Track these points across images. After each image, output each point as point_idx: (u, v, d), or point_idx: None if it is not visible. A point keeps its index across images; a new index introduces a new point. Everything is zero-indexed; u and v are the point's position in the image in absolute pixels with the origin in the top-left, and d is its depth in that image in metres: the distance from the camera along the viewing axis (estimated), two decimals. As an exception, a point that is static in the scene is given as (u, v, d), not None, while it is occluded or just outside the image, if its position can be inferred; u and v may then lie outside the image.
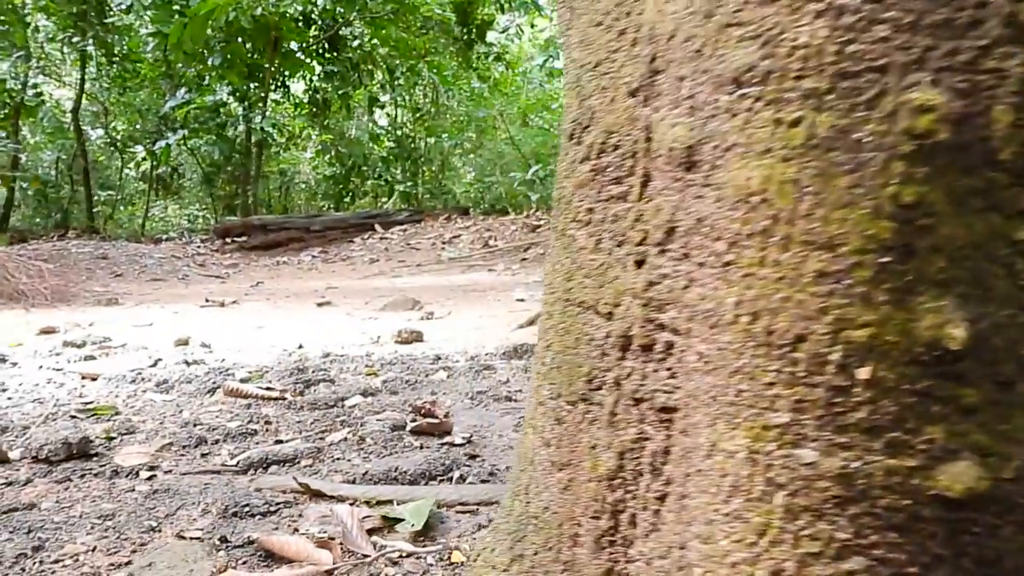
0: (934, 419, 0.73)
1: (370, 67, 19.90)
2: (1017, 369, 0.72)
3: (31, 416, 3.15)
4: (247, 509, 2.15)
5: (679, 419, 0.89)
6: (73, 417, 3.15)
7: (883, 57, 0.73)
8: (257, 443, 2.80)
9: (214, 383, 3.68)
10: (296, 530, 2.05)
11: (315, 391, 3.60)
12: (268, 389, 3.55)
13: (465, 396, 3.45)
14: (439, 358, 4.39)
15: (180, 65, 17.15)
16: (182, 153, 20.12)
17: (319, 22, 18.34)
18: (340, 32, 18.51)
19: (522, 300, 7.49)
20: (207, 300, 8.16)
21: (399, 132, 21.54)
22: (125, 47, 18.13)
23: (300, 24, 17.92)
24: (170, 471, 2.52)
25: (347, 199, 21.20)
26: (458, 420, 3.02)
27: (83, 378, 3.92)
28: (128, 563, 1.86)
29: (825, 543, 0.75)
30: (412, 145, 21.11)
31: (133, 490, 2.34)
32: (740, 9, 0.81)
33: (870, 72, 0.74)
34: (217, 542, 1.96)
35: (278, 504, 2.20)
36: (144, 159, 20.61)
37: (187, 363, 4.29)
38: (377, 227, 15.02)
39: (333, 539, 1.95)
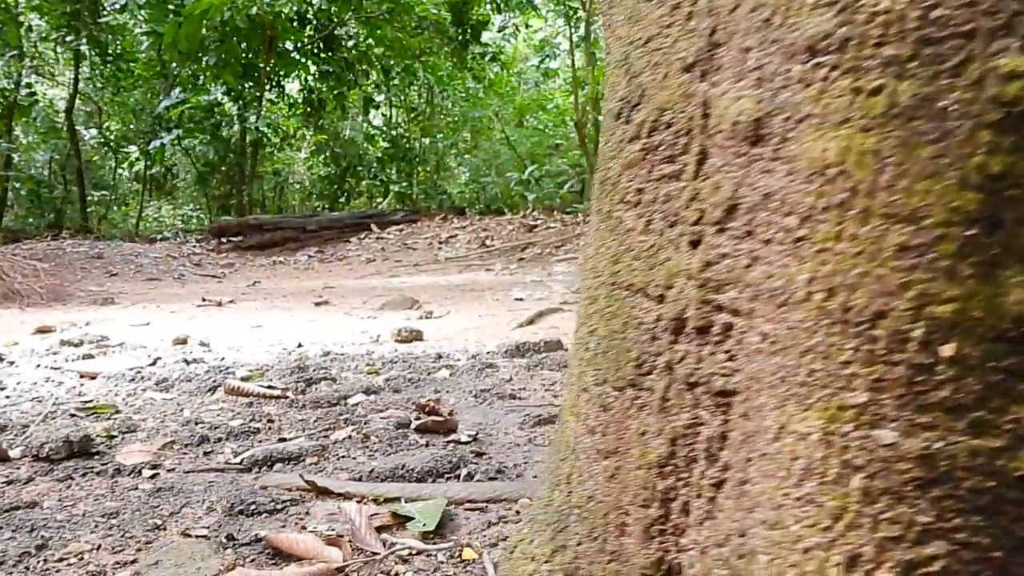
0: (1020, 397, 0.69)
1: (365, 67, 19.86)
2: None
3: (30, 415, 3.10)
4: (253, 507, 2.12)
5: (738, 403, 0.85)
6: (73, 416, 3.11)
7: (968, 22, 0.70)
8: (260, 441, 2.76)
9: (214, 382, 3.64)
10: (304, 528, 2.02)
11: (317, 389, 3.56)
12: (269, 387, 3.51)
13: (469, 394, 3.42)
14: (440, 356, 4.35)
15: (175, 65, 17.09)
16: (176, 153, 20.05)
17: (314, 22, 18.30)
18: (335, 32, 18.47)
19: (521, 299, 7.47)
20: (204, 299, 8.11)
21: (394, 132, 21.50)
22: (119, 46, 18.05)
23: (295, 24, 17.88)
24: (173, 469, 2.49)
25: (342, 199, 21.15)
26: (463, 418, 2.99)
27: (81, 377, 3.87)
28: (134, 561, 1.83)
29: (905, 527, 0.72)
30: (407, 145, 21.08)
31: (136, 488, 2.30)
32: None
33: (955, 38, 0.70)
34: (224, 540, 1.92)
35: (284, 502, 2.17)
36: (138, 159, 20.53)
37: (186, 362, 4.25)
38: (373, 227, 14.98)
39: (342, 537, 1.92)
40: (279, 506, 2.14)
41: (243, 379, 3.69)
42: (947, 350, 0.70)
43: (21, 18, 16.67)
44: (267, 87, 18.46)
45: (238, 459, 2.55)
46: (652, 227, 0.98)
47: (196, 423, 2.97)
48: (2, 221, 17.58)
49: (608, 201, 1.06)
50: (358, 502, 2.14)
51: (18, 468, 2.45)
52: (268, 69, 17.88)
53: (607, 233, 1.06)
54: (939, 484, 0.71)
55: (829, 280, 0.76)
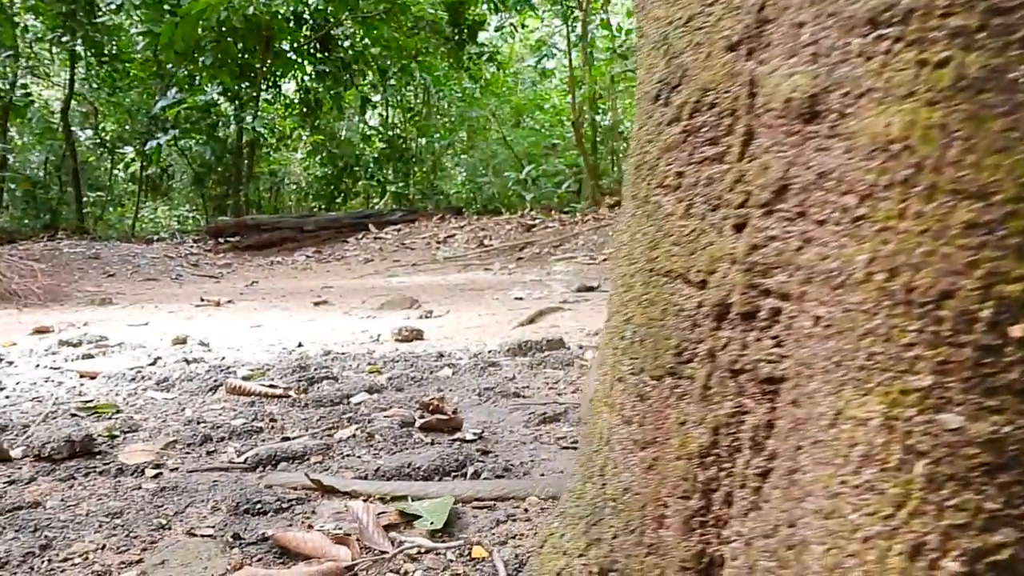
0: (1092, 379, 0.66)
1: (362, 67, 19.83)
2: None
3: (30, 415, 3.07)
4: (259, 506, 2.09)
5: (787, 389, 0.83)
6: (73, 415, 3.08)
7: (1041, -9, 0.67)
8: (264, 440, 2.74)
9: (215, 381, 3.61)
10: (310, 527, 2.00)
11: (319, 388, 3.54)
12: (271, 387, 3.49)
13: (472, 393, 3.39)
14: (442, 355, 4.33)
15: (171, 65, 17.05)
16: (172, 154, 20.00)
17: (310, 22, 18.28)
18: (331, 32, 18.44)
19: (520, 299, 7.45)
20: (202, 299, 8.08)
21: (391, 132, 21.48)
22: (115, 47, 18.00)
23: (292, 24, 17.85)
24: (176, 469, 2.46)
25: (339, 200, 21.12)
26: (467, 416, 2.97)
27: (81, 377, 3.84)
28: (139, 561, 1.80)
29: (972, 514, 0.69)
30: (404, 146, 21.05)
31: (140, 488, 2.28)
32: None
33: (1026, 7, 0.68)
34: (230, 539, 1.90)
35: (290, 501, 2.14)
36: (133, 160, 20.47)
37: (186, 361, 4.22)
38: (371, 227, 14.95)
39: (350, 535, 1.89)
40: (285, 505, 2.12)
41: (244, 378, 3.67)
42: (1016, 331, 0.67)
43: (16, 18, 16.62)
44: (263, 87, 18.43)
45: (242, 458, 2.53)
46: (693, 211, 0.95)
47: (198, 422, 2.95)
48: (-3, 222, 17.55)
49: (645, 186, 1.03)
50: (365, 501, 2.11)
51: (20, 468, 2.42)
52: (264, 69, 17.84)
53: (644, 219, 1.03)
54: (1007, 469, 0.68)
55: (891, 260, 0.73)
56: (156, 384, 3.63)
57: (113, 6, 16.76)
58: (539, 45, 20.51)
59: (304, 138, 21.74)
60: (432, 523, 1.97)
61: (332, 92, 19.07)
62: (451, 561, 1.81)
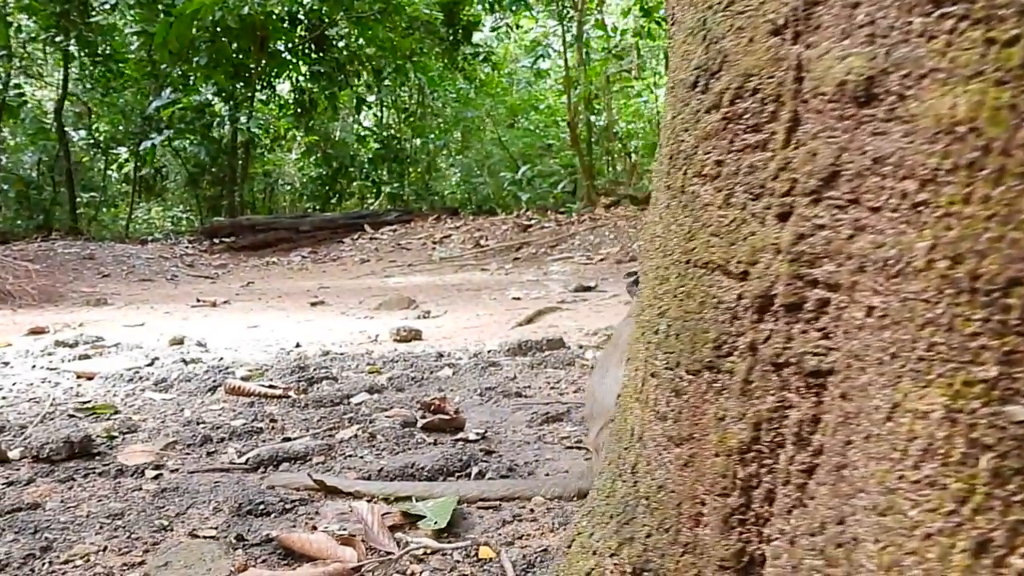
0: None
1: (357, 67, 19.80)
2: None
3: (28, 415, 3.04)
4: (261, 507, 2.07)
5: (836, 383, 0.80)
6: (71, 416, 3.04)
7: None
8: (264, 441, 2.71)
9: (214, 381, 3.58)
10: (314, 528, 1.97)
11: (319, 389, 3.51)
12: (271, 387, 3.46)
13: (474, 393, 3.37)
14: (441, 355, 4.31)
15: (165, 65, 16.99)
16: (166, 154, 19.95)
17: (305, 22, 18.23)
18: (326, 32, 18.40)
19: (518, 299, 7.43)
20: (198, 300, 8.04)
21: (385, 133, 21.45)
22: (109, 47, 17.93)
23: (286, 24, 17.81)
24: (176, 470, 2.43)
25: (333, 200, 21.09)
26: (469, 416, 2.95)
27: (79, 377, 3.81)
28: (142, 563, 1.77)
29: None
30: (399, 146, 21.02)
31: (140, 489, 2.25)
32: None
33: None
34: (233, 540, 1.87)
35: (293, 502, 2.11)
36: (127, 160, 20.41)
37: (184, 362, 4.19)
38: (367, 227, 14.92)
39: (355, 536, 1.87)
40: (288, 506, 2.09)
41: (243, 379, 3.63)
42: None
43: (10, 18, 16.54)
44: (258, 87, 18.39)
45: (243, 459, 2.50)
46: (733, 201, 0.92)
47: (198, 423, 2.92)
48: (-9, 222, 17.48)
49: (681, 176, 1.00)
50: (369, 501, 2.09)
51: (18, 469, 2.39)
52: (259, 69, 17.80)
53: (680, 209, 1.00)
54: None
55: (955, 246, 0.70)
56: (154, 385, 3.60)
57: (107, 6, 16.71)
58: (534, 46, 20.51)
59: (299, 138, 21.70)
60: (436, 523, 1.95)
61: (327, 92, 19.03)
62: (458, 562, 1.78)
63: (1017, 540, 0.67)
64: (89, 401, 3.30)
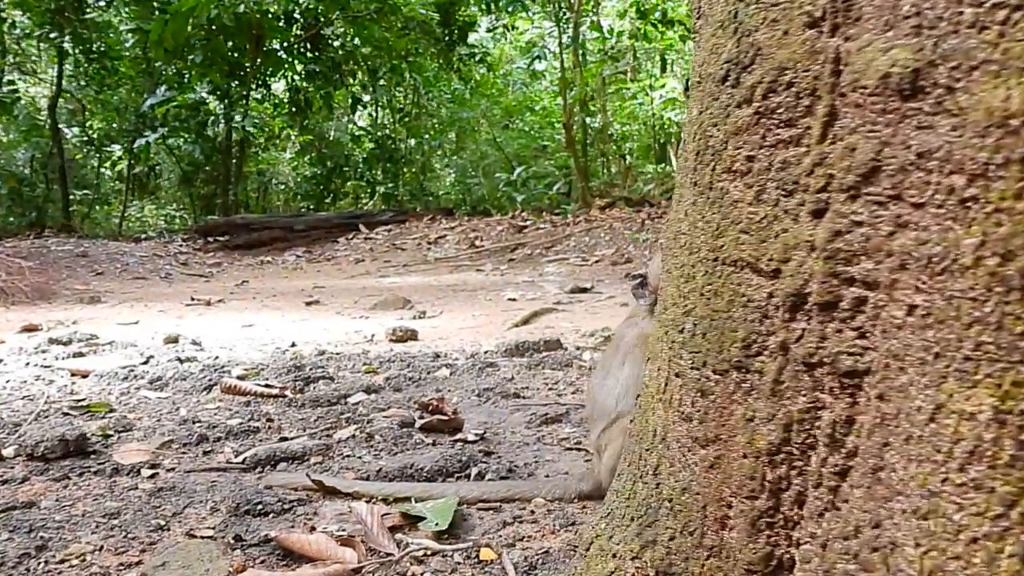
0: None
1: (352, 67, 19.76)
2: None
3: (22, 413, 3.01)
4: (259, 507, 2.05)
5: (872, 383, 0.78)
6: (66, 414, 3.02)
7: None
8: (261, 440, 2.69)
9: (210, 380, 3.56)
10: (313, 528, 1.95)
11: (315, 388, 3.50)
12: (267, 386, 3.44)
13: (471, 393, 3.36)
14: (438, 356, 4.29)
15: (160, 63, 16.93)
16: (159, 152, 19.87)
17: (301, 21, 18.18)
18: (322, 31, 18.35)
19: (514, 299, 7.41)
20: (192, 299, 8.01)
21: (380, 133, 21.41)
22: (103, 44, 17.85)
23: (282, 23, 17.76)
24: (173, 469, 2.42)
25: (327, 200, 21.04)
26: (467, 417, 2.93)
27: (73, 375, 3.78)
28: (139, 563, 1.76)
29: None
30: (393, 146, 20.98)
31: (136, 488, 2.23)
32: None
33: None
34: (231, 541, 1.86)
35: (291, 502, 2.10)
36: (121, 158, 20.33)
37: (179, 360, 4.16)
38: (361, 227, 14.89)
39: (354, 537, 1.85)
40: (286, 506, 2.08)
41: (239, 378, 3.61)
42: None
43: (3, 14, 16.47)
44: (253, 86, 18.33)
45: (240, 458, 2.49)
46: (765, 197, 0.90)
47: (193, 422, 2.90)
48: (-17, 219, 17.40)
49: (709, 172, 0.98)
50: (368, 502, 2.07)
51: (12, 467, 2.37)
52: (254, 68, 17.75)
53: (707, 206, 0.98)
54: None
55: (1005, 243, 0.68)
56: (149, 383, 3.58)
57: (102, 3, 16.67)
58: (529, 47, 20.49)
59: (293, 138, 21.65)
60: (437, 524, 1.93)
61: (322, 92, 18.98)
62: (458, 564, 1.77)
63: None
64: (84, 399, 3.27)
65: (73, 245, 12.76)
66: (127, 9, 16.91)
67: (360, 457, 2.51)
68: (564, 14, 16.83)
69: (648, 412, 1.05)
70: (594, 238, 11.75)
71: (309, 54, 18.67)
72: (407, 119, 21.29)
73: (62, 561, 1.75)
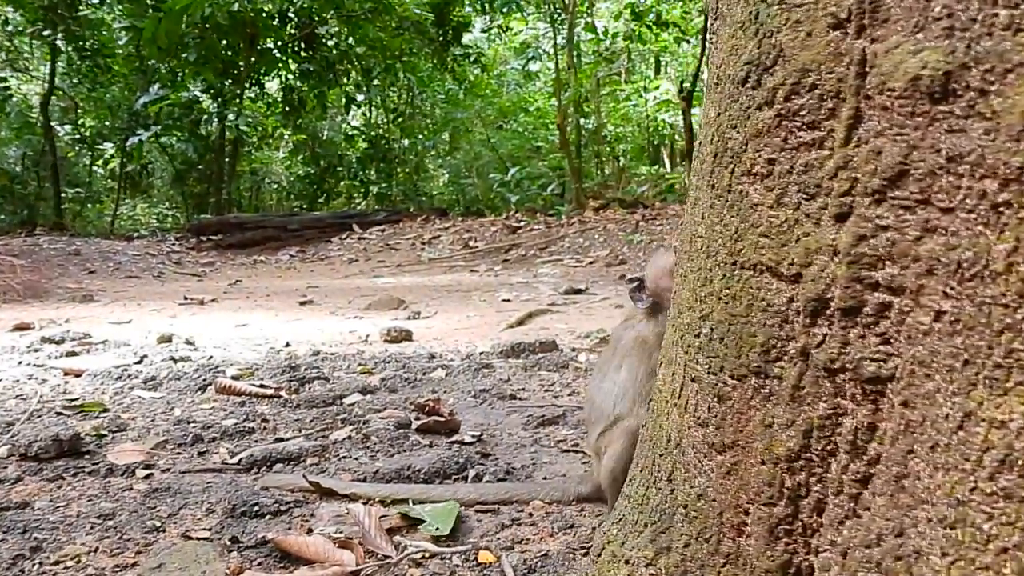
0: None
1: (346, 66, 19.72)
2: None
3: (14, 412, 2.99)
4: (256, 508, 2.03)
5: (897, 390, 0.77)
6: (59, 414, 3.00)
7: None
8: (256, 441, 2.67)
9: (204, 380, 3.53)
10: (310, 530, 1.94)
11: (310, 389, 3.48)
12: (262, 386, 3.42)
13: (468, 394, 3.34)
14: (433, 356, 4.27)
15: (153, 61, 16.87)
16: (152, 151, 19.81)
17: (295, 20, 18.14)
18: (316, 30, 18.31)
19: (508, 300, 7.40)
20: (186, 298, 7.98)
21: (374, 133, 21.38)
22: (97, 41, 17.78)
23: (276, 21, 17.72)
24: (168, 469, 2.39)
25: (321, 199, 21.00)
26: (464, 418, 2.92)
27: (66, 374, 3.75)
28: (134, 564, 1.74)
29: None
30: (387, 146, 20.96)
31: (131, 489, 2.21)
32: None
33: None
34: (228, 542, 1.84)
35: (288, 503, 2.08)
36: (113, 156, 20.26)
37: (173, 360, 4.14)
38: (355, 227, 14.86)
39: (352, 539, 1.84)
40: (283, 507, 2.06)
41: (233, 378, 3.59)
42: None
43: (-4, 11, 16.41)
44: (247, 85, 18.28)
45: (235, 459, 2.47)
46: (785, 200, 0.88)
47: (188, 422, 2.88)
48: (-26, 217, 17.31)
49: (727, 174, 0.96)
50: (365, 503, 2.06)
51: (5, 467, 2.35)
52: (248, 67, 17.70)
53: (725, 209, 0.96)
54: None
55: None
56: (143, 383, 3.55)
57: (95, 0, 16.58)
58: (524, 48, 20.49)
59: (286, 137, 21.60)
60: (437, 528, 1.92)
61: (316, 91, 18.95)
62: (457, 566, 1.76)
63: None
64: (77, 398, 3.25)
65: (65, 243, 12.70)
66: (120, 7, 16.85)
67: (356, 458, 2.50)
68: (559, 15, 16.83)
69: (662, 417, 1.04)
70: (588, 239, 11.74)
71: (303, 53, 18.62)
72: (401, 119, 21.27)
73: (57, 563, 1.73)
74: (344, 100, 20.24)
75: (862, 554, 0.78)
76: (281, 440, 2.66)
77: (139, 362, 4.10)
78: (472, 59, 19.76)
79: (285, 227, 14.92)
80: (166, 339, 4.88)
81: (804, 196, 0.87)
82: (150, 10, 15.67)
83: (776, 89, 0.91)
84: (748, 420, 0.89)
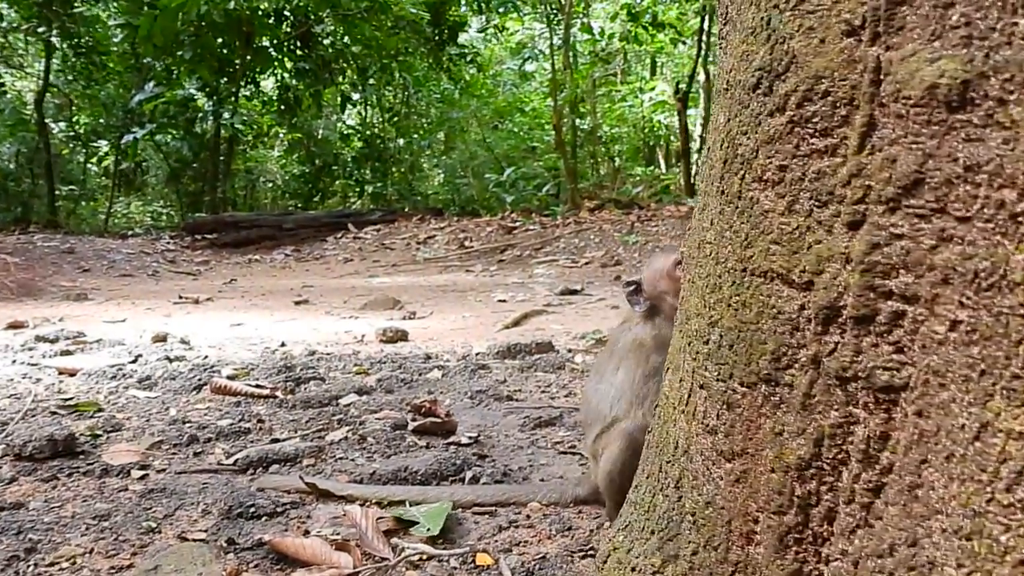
0: None
1: (342, 65, 19.69)
2: None
3: (8, 412, 2.98)
4: (252, 510, 2.03)
5: (910, 399, 0.76)
6: (54, 413, 2.98)
7: None
8: (252, 442, 2.66)
9: (199, 380, 3.52)
10: (307, 532, 1.93)
11: (306, 389, 3.47)
12: (257, 387, 3.41)
13: (464, 395, 3.34)
14: (429, 357, 4.26)
15: (148, 58, 16.81)
16: (146, 149, 19.74)
17: (291, 18, 18.10)
18: (312, 29, 18.27)
19: (504, 301, 7.39)
20: (180, 297, 7.95)
21: (369, 132, 21.35)
22: (92, 39, 17.71)
23: (272, 20, 17.67)
24: (163, 470, 2.39)
25: (316, 198, 20.96)
26: (461, 419, 2.91)
27: (60, 373, 3.74)
28: (130, 566, 1.73)
29: None
30: (382, 145, 20.93)
31: (126, 489, 2.20)
32: None
33: None
34: (224, 544, 1.83)
35: (284, 505, 2.08)
36: (107, 154, 20.19)
37: (168, 359, 4.12)
38: (350, 226, 14.83)
39: (349, 541, 1.83)
40: (279, 509, 2.05)
41: (229, 378, 3.58)
42: None
43: (-10, 8, 16.34)
44: (242, 83, 18.24)
45: (231, 460, 2.46)
46: (797, 207, 0.87)
47: (183, 422, 2.87)
48: (-32, 215, 17.23)
49: (737, 180, 0.95)
50: (362, 505, 2.05)
51: None
52: (244, 65, 17.65)
53: (736, 215, 0.95)
54: None
55: None
56: (138, 382, 3.54)
57: (90, -3, 16.54)
58: (520, 48, 20.49)
59: (282, 136, 21.56)
60: (428, 529, 1.91)
61: (311, 90, 18.91)
62: (455, 569, 1.75)
63: None
64: (72, 398, 3.23)
65: (59, 241, 12.66)
66: (116, 4, 16.79)
67: (353, 459, 2.49)
68: (555, 15, 16.83)
69: (668, 423, 1.03)
70: (583, 240, 11.74)
71: (299, 52, 18.58)
72: (396, 118, 21.24)
73: (52, 564, 1.72)
74: (340, 99, 20.19)
75: (874, 564, 0.78)
76: (277, 441, 2.65)
77: (134, 361, 4.08)
78: (468, 59, 19.74)
79: (280, 226, 14.88)
80: (161, 338, 4.86)
81: (816, 203, 0.86)
82: (146, 7, 15.60)
83: (788, 95, 0.91)
84: (758, 428, 0.88)
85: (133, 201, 22.52)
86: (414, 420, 2.83)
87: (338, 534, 1.89)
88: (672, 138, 19.31)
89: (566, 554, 1.78)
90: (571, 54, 16.93)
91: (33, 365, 3.95)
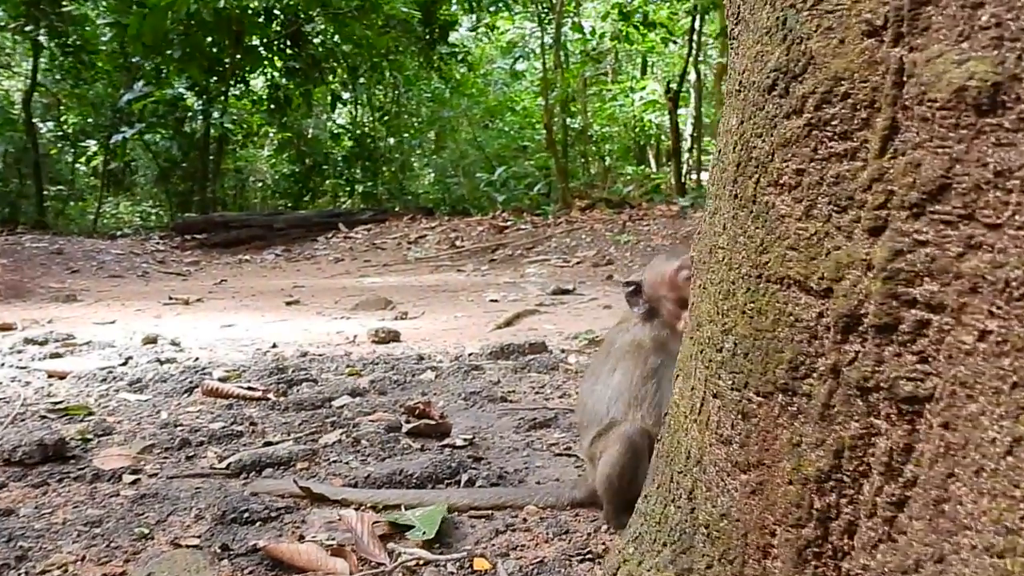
0: None
1: (332, 64, 19.63)
2: None
3: (-3, 415, 2.94)
4: (246, 515, 2.00)
5: (936, 411, 0.74)
6: (43, 417, 2.95)
7: None
8: (245, 445, 2.64)
9: (190, 382, 3.49)
10: (302, 537, 1.91)
11: (298, 391, 3.44)
12: (249, 389, 3.38)
13: (458, 397, 3.32)
14: (422, 358, 4.24)
15: (137, 58, 16.72)
16: (135, 148, 19.64)
17: (281, 17, 18.04)
18: (302, 28, 18.21)
19: (495, 301, 7.37)
20: (170, 298, 7.91)
21: (359, 131, 21.29)
22: (80, 37, 17.61)
23: (262, 19, 17.60)
24: (155, 474, 2.36)
25: (306, 198, 20.89)
26: (455, 421, 2.89)
27: (50, 376, 3.70)
28: (122, 573, 1.71)
29: None
30: (373, 145, 20.88)
31: (118, 494, 2.18)
32: None
33: None
34: (218, 550, 1.81)
35: (279, 509, 2.05)
36: (96, 154, 20.07)
37: (159, 361, 4.09)
38: (341, 226, 14.78)
39: (345, 547, 1.81)
40: (273, 514, 2.03)
41: (220, 380, 3.55)
42: None
43: (-23, 7, 16.22)
44: (232, 82, 18.16)
45: (224, 464, 2.43)
46: (815, 212, 0.85)
47: (175, 425, 2.84)
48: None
49: (752, 185, 0.93)
50: (357, 509, 2.03)
51: (-11, 473, 2.30)
52: (233, 64, 17.58)
53: (750, 220, 0.93)
54: None
55: None
56: (128, 385, 3.51)
57: (79, -4, 16.43)
58: (511, 47, 20.46)
59: (272, 135, 21.48)
60: (424, 533, 1.89)
61: (301, 89, 18.84)
62: (452, 574, 1.73)
63: None
64: (62, 401, 3.20)
65: (48, 242, 12.58)
66: (104, 3, 16.69)
67: (347, 463, 2.47)
68: (546, 15, 16.81)
69: (680, 432, 1.01)
70: (575, 239, 11.72)
71: (289, 51, 18.51)
72: (387, 117, 21.19)
73: (43, 572, 1.70)
74: (330, 98, 20.13)
75: None
76: (270, 444, 2.63)
77: (124, 364, 4.05)
78: (459, 58, 19.70)
79: (270, 226, 14.83)
80: (151, 340, 4.83)
81: (835, 208, 0.84)
82: (134, 6, 15.51)
83: (806, 97, 0.88)
84: (775, 439, 0.86)
85: (122, 201, 22.39)
86: (408, 422, 2.81)
87: (333, 539, 1.87)
88: (663, 137, 19.32)
89: (564, 558, 1.77)
90: (562, 53, 16.92)
91: (22, 368, 3.91)
